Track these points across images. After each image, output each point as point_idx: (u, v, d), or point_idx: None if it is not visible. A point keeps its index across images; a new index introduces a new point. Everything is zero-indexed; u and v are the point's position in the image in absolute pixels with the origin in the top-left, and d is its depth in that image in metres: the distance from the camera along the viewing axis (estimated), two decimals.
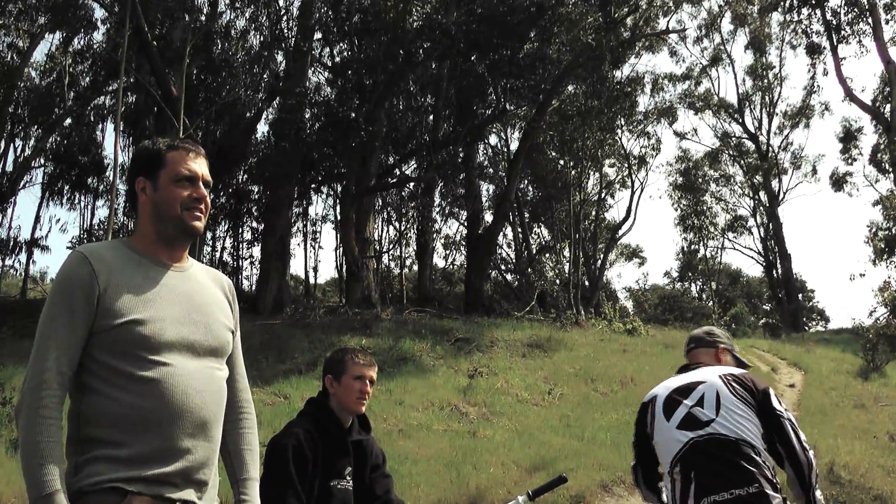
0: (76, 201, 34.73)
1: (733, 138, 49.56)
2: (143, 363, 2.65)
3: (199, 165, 2.92)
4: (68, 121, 31.73)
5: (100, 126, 36.40)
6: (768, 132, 48.36)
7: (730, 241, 52.14)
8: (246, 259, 36.39)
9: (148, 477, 2.61)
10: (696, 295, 57.79)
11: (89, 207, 36.72)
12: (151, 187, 2.87)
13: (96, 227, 35.05)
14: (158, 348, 2.69)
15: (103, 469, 2.56)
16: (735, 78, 61.13)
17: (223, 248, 36.68)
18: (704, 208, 50.01)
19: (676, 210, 50.29)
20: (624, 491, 10.16)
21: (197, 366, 2.79)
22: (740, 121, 49.03)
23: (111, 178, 29.52)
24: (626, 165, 42.09)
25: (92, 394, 2.63)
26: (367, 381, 4.34)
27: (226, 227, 36.26)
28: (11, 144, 31.57)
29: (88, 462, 2.56)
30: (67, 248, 35.64)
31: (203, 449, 2.78)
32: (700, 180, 48.75)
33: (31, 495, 2.46)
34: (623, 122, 38.62)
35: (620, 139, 40.59)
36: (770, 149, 48.31)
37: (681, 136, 49.30)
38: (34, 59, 33.58)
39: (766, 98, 48.51)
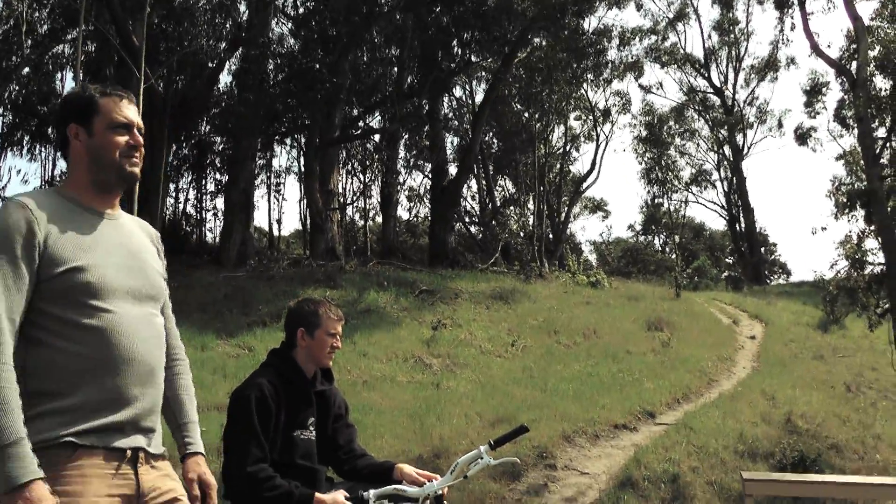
0: (37, 151, 34.28)
1: (699, 93, 49.62)
2: (89, 311, 2.65)
3: (133, 112, 2.92)
4: (26, 70, 31.16)
5: (59, 75, 35.88)
6: (734, 87, 48.64)
7: (694, 194, 52.32)
8: (209, 211, 36.10)
9: (98, 427, 2.62)
10: (660, 248, 58.24)
11: (50, 158, 36.32)
12: (85, 133, 2.85)
13: (58, 178, 34.68)
14: (102, 295, 2.69)
15: (52, 424, 2.56)
16: (702, 33, 61.44)
17: (186, 200, 36.41)
18: (669, 162, 50.06)
19: (641, 164, 50.36)
20: (586, 442, 10.28)
21: (139, 312, 2.81)
22: (706, 75, 49.14)
23: None
24: (591, 118, 42.03)
25: (37, 346, 2.61)
26: (338, 337, 4.38)
27: (189, 178, 35.99)
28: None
29: (37, 417, 2.54)
30: None
31: (150, 395, 2.80)
32: (665, 134, 48.77)
33: None
34: (591, 77, 38.50)
35: (587, 92, 40.52)
36: (735, 103, 48.55)
37: (646, 89, 49.22)
38: None
39: (733, 52, 48.63)
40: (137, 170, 2.92)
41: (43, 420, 2.55)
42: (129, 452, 2.71)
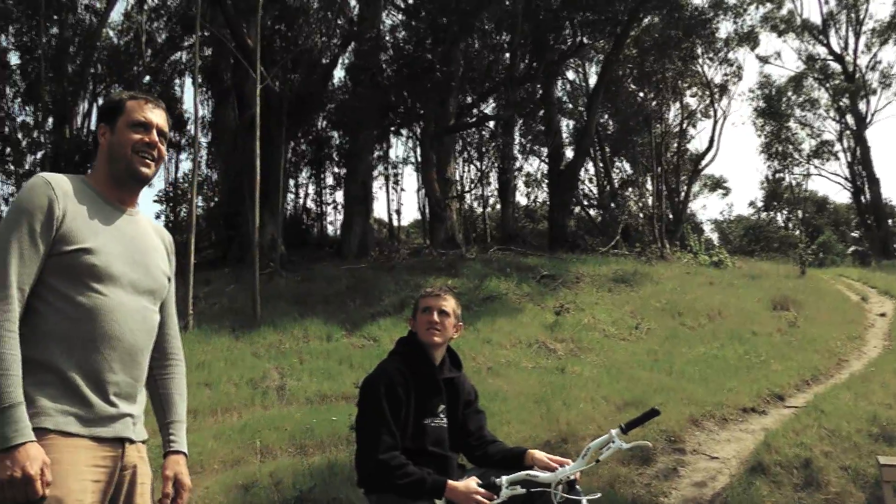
0: None
1: (818, 60, 47.98)
2: (87, 291, 2.79)
3: (156, 115, 3.07)
4: (147, 78, 32.13)
5: (177, 81, 36.95)
6: (855, 52, 46.75)
7: (815, 167, 50.73)
8: (329, 204, 36.87)
9: (81, 415, 2.74)
10: (782, 224, 56.70)
11: (173, 161, 37.44)
12: (110, 132, 3.03)
13: (181, 180, 35.70)
14: (103, 279, 2.83)
15: (39, 406, 2.67)
16: None
17: (306, 195, 37.10)
18: (789, 134, 48.69)
19: (760, 137, 49.10)
20: (714, 425, 10.10)
21: (135, 304, 2.94)
22: (825, 42, 47.43)
23: (192, 131, 29.96)
24: (707, 94, 41.21)
25: (33, 314, 2.74)
26: (435, 312, 4.39)
27: (308, 173, 36.62)
28: (94, 103, 32.09)
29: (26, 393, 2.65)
30: (154, 201, 36.41)
31: (132, 376, 2.92)
32: (784, 106, 47.39)
33: None
34: (703, 51, 37.73)
35: (702, 67, 39.73)
36: (857, 69, 46.71)
37: (763, 60, 47.95)
38: (111, 20, 34.12)
39: (852, 16, 46.85)
40: (148, 170, 3.05)
41: (31, 400, 2.65)
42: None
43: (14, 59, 29.61)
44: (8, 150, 28.59)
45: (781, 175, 52.16)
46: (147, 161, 3.03)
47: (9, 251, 2.70)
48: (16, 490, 2.50)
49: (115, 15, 40.03)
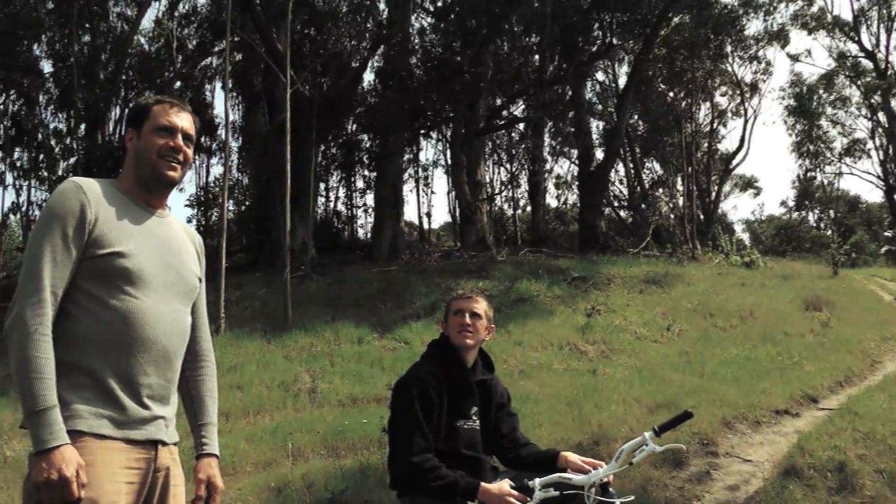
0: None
1: (849, 58, 47.49)
2: (120, 293, 2.82)
3: (181, 119, 3.10)
4: (178, 83, 32.35)
5: (208, 86, 37.17)
6: (887, 49, 46.19)
7: (847, 166, 50.29)
8: (360, 208, 36.76)
9: (115, 417, 2.77)
10: (814, 224, 56.29)
11: (204, 165, 37.67)
12: (136, 136, 3.06)
13: (212, 184, 35.91)
14: (136, 282, 2.86)
15: (74, 409, 2.70)
16: None
17: (337, 198, 37.17)
18: (820, 133, 48.30)
19: (791, 136, 48.77)
20: (747, 428, 10.03)
21: (167, 306, 2.96)
22: (856, 39, 46.93)
23: (223, 136, 30.14)
24: (737, 93, 40.94)
25: (66, 318, 2.77)
26: (466, 314, 4.40)
27: (338, 177, 36.71)
28: (126, 110, 32.32)
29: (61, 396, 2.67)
30: (185, 205, 36.77)
31: (165, 378, 2.95)
32: (815, 104, 46.98)
33: (27, 408, 2.60)
34: (732, 49, 37.52)
35: (732, 66, 39.51)
36: (889, 66, 46.18)
37: (794, 58, 47.45)
38: (142, 27, 34.39)
39: (884, 12, 46.37)
40: (174, 174, 3.08)
41: (64, 403, 2.68)
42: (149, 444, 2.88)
43: (47, 67, 29.93)
44: (41, 156, 28.89)
45: (813, 174, 51.83)
46: (172, 165, 3.06)
47: (42, 256, 2.73)
48: (52, 492, 2.54)
49: (146, 22, 40.24)
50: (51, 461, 2.53)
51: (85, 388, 2.73)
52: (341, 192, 37.27)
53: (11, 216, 32.01)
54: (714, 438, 9.30)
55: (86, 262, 2.80)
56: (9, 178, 29.90)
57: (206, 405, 3.25)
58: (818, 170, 50.79)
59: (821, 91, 46.96)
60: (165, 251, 3.02)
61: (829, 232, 49.06)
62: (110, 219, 2.87)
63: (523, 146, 37.18)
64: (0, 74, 27.12)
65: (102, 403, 2.74)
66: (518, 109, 35.61)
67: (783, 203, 62.28)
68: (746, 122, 43.50)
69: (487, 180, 35.16)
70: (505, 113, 33.86)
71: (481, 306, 4.47)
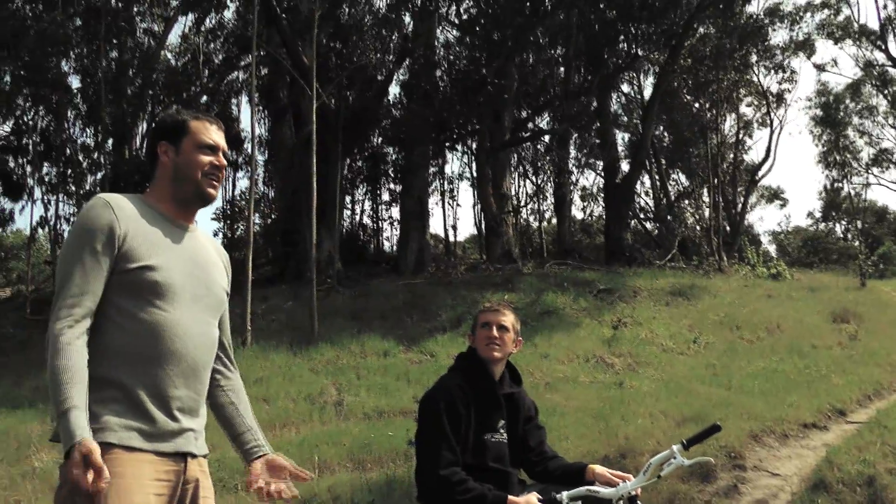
0: None
1: (876, 66, 47.17)
2: (149, 307, 2.83)
3: (220, 137, 3.15)
4: (204, 98, 32.54)
5: (234, 100, 37.39)
6: None
7: (875, 176, 50.07)
8: (385, 220, 36.90)
9: (145, 430, 2.78)
10: (842, 235, 55.95)
11: (230, 179, 37.85)
12: (174, 151, 3.06)
13: (238, 198, 36.10)
14: (166, 296, 2.87)
15: (104, 421, 2.70)
16: (876, 3, 58.02)
17: (362, 211, 37.29)
18: (847, 143, 48.02)
19: (818, 147, 48.50)
20: (775, 441, 9.97)
21: (196, 319, 2.97)
22: (883, 48, 46.49)
23: (249, 149, 30.27)
24: (763, 103, 40.78)
25: (96, 332, 2.79)
26: (494, 327, 4.38)
27: (364, 190, 36.83)
28: (153, 124, 32.47)
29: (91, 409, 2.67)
30: (212, 218, 36.93)
31: (194, 391, 2.96)
32: (842, 114, 46.72)
33: (56, 410, 2.61)
34: (757, 59, 37.41)
35: (757, 76, 39.37)
36: None
37: (820, 67, 47.26)
38: (169, 42, 34.66)
39: None
40: (215, 191, 3.13)
41: (98, 415, 2.69)
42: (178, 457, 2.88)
43: (75, 82, 30.13)
44: (69, 171, 29.07)
45: (840, 184, 51.51)
46: (214, 183, 3.10)
47: (73, 271, 2.76)
48: (81, 472, 2.51)
49: (173, 37, 40.60)
50: (73, 456, 2.50)
51: (114, 401, 2.75)
52: (367, 205, 37.45)
53: (40, 230, 32.25)
54: (742, 452, 9.24)
55: (116, 276, 2.82)
56: (37, 193, 30.05)
57: (241, 413, 3.25)
58: (845, 180, 50.55)
59: (847, 100, 46.76)
60: (194, 265, 3.04)
61: (857, 243, 48.63)
62: (140, 233, 2.89)
63: (549, 158, 37.15)
64: (29, 90, 27.34)
65: (132, 416, 2.76)
66: (543, 122, 35.71)
67: (810, 214, 62.08)
68: (772, 132, 43.45)
69: (513, 193, 35.14)
70: (530, 125, 33.91)
71: (509, 319, 4.45)
